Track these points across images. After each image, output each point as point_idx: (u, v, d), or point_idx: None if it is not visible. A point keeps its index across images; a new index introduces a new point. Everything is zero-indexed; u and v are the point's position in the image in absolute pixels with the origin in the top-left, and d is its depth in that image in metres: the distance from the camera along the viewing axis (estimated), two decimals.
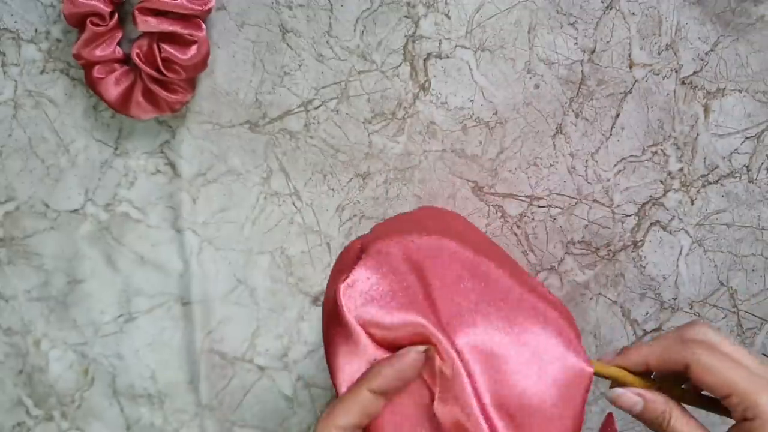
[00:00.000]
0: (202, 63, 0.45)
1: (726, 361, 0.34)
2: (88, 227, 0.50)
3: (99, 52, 0.45)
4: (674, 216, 0.47)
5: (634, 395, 0.37)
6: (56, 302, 0.51)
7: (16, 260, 0.50)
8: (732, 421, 0.35)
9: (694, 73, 0.45)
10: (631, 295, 0.48)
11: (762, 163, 0.46)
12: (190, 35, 0.44)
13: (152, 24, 0.43)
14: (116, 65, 0.45)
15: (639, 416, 0.36)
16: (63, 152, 0.49)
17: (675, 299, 0.48)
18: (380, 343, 0.32)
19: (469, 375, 0.31)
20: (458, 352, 0.32)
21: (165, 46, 0.44)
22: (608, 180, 0.47)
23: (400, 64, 0.46)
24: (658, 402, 0.36)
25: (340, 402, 0.31)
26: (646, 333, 0.49)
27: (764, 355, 0.49)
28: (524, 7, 0.45)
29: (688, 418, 0.36)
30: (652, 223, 0.47)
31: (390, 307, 0.32)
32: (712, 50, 0.45)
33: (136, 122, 0.48)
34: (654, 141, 0.46)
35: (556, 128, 0.46)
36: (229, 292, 0.50)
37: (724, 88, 0.45)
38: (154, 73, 0.44)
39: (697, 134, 0.46)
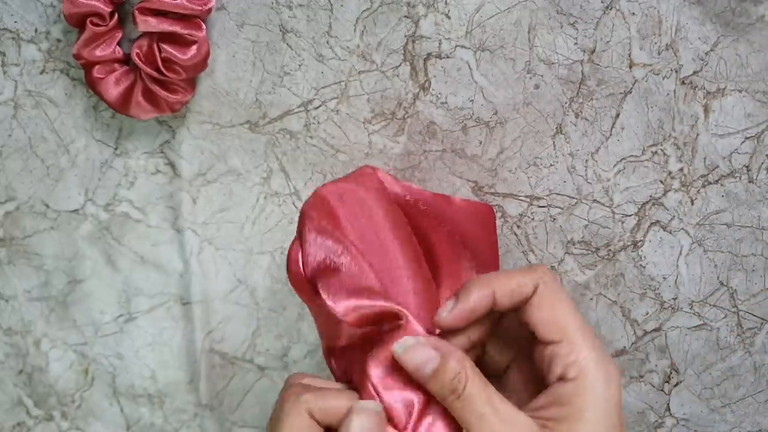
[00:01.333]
0: (202, 63, 0.45)
1: (566, 303, 0.31)
2: (88, 227, 0.50)
3: (99, 52, 0.45)
4: (674, 216, 0.47)
5: (429, 348, 0.30)
6: (56, 302, 0.51)
7: (16, 260, 0.51)
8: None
9: (694, 73, 0.45)
10: (631, 295, 0.48)
11: (762, 163, 0.46)
12: (190, 35, 0.44)
13: (152, 24, 0.43)
14: (116, 65, 0.45)
15: (428, 380, 0.30)
16: (63, 152, 0.49)
17: (675, 299, 0.48)
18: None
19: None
20: None
21: (165, 46, 0.44)
22: (608, 180, 0.47)
23: (400, 64, 0.46)
24: (455, 359, 0.29)
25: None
26: (646, 333, 0.49)
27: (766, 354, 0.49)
28: (524, 7, 0.45)
29: (486, 384, 0.30)
30: (652, 223, 0.47)
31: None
32: (712, 50, 0.45)
33: (136, 122, 0.48)
34: (654, 141, 0.46)
35: (556, 128, 0.47)
36: (229, 292, 0.50)
37: (724, 88, 0.45)
38: (154, 73, 0.44)
39: (697, 134, 0.46)
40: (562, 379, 0.30)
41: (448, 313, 0.31)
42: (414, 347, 0.30)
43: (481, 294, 0.31)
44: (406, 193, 0.42)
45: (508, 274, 0.32)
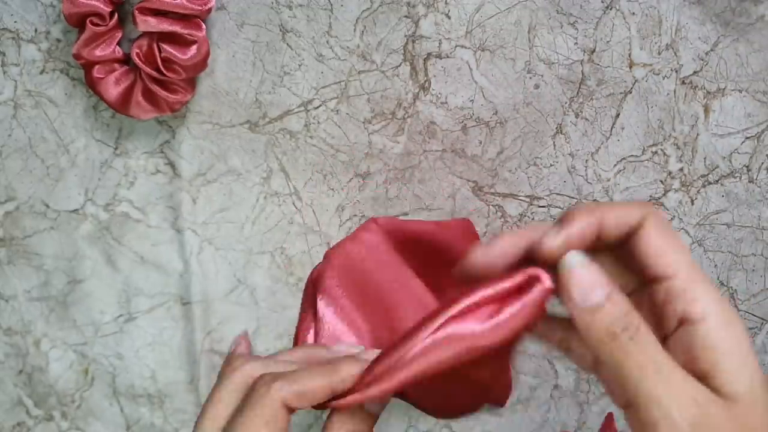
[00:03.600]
0: (202, 63, 0.45)
1: (676, 236, 0.27)
2: (88, 227, 0.50)
3: (99, 52, 0.45)
4: (674, 216, 0.47)
5: (598, 273, 0.26)
6: (56, 302, 0.51)
7: (16, 260, 0.51)
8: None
9: (694, 73, 0.45)
10: None
11: (762, 163, 0.46)
12: (190, 35, 0.44)
13: (152, 24, 0.43)
14: (116, 65, 0.45)
15: (587, 313, 0.25)
16: (63, 152, 0.49)
17: None
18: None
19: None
20: None
21: (165, 46, 0.44)
22: (608, 180, 0.47)
23: (400, 64, 0.46)
24: (624, 303, 0.25)
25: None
26: None
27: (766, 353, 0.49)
28: (524, 7, 0.45)
29: (655, 339, 0.25)
30: None
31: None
32: (712, 50, 0.45)
33: (136, 122, 0.48)
34: (654, 141, 0.46)
35: (556, 128, 0.46)
36: (229, 292, 0.50)
37: (724, 88, 0.45)
38: (154, 73, 0.44)
39: (697, 134, 0.46)
40: (684, 322, 0.26)
41: (553, 239, 0.26)
42: (585, 266, 0.26)
43: (586, 221, 0.26)
44: (409, 236, 0.46)
45: (612, 203, 0.28)
